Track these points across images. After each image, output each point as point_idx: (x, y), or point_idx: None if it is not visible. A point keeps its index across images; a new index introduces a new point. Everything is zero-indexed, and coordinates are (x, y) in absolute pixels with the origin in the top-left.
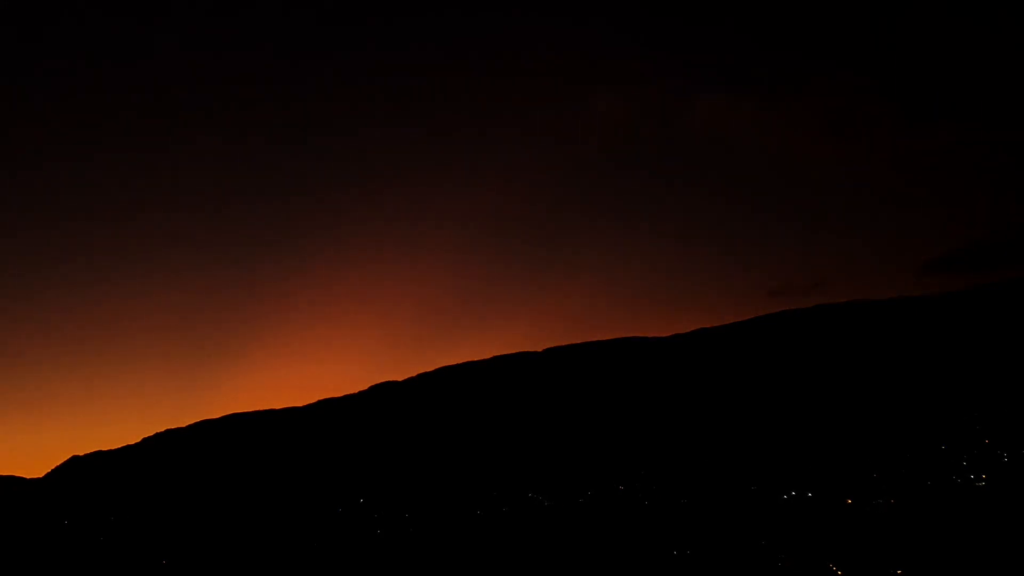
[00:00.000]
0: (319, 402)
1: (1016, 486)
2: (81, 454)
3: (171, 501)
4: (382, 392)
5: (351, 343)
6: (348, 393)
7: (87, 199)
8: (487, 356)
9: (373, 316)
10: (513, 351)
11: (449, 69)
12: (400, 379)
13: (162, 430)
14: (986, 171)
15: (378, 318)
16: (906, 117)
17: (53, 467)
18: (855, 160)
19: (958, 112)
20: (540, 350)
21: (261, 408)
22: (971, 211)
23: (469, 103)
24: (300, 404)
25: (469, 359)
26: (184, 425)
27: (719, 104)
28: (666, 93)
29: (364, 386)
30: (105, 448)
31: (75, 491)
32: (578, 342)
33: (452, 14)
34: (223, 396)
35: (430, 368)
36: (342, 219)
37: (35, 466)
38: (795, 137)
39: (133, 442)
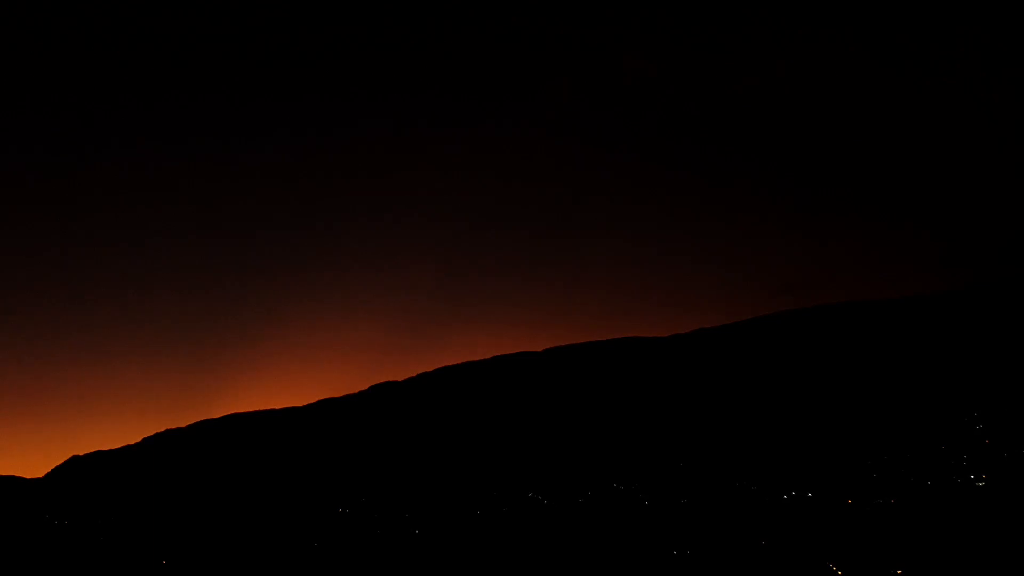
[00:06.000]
0: (319, 402)
1: (1016, 486)
2: (81, 454)
3: (171, 501)
4: (382, 392)
5: (351, 343)
6: (348, 393)
7: (88, 199)
8: (487, 356)
9: (373, 316)
10: (513, 351)
11: (454, 43)
12: (400, 379)
13: (162, 430)
14: (988, 170)
15: (378, 318)
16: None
17: (53, 467)
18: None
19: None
20: (540, 350)
21: (261, 408)
22: (971, 210)
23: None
24: (300, 404)
25: (469, 359)
26: (184, 425)
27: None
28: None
29: (364, 386)
30: (105, 448)
31: (75, 491)
32: (578, 342)
33: None
34: (223, 396)
35: (430, 368)
36: (343, 218)
37: (35, 466)
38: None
39: (133, 442)
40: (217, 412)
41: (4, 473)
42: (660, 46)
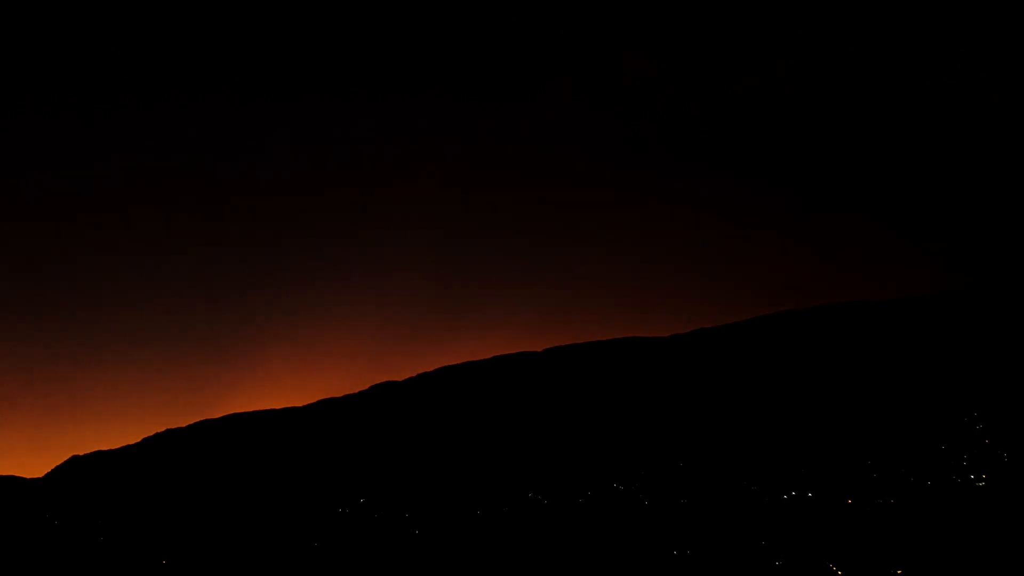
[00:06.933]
0: (319, 402)
1: (1016, 486)
2: (81, 454)
3: (171, 501)
4: (382, 392)
5: (351, 343)
6: (348, 393)
7: (88, 199)
8: (487, 356)
9: (374, 316)
10: (513, 351)
11: (452, 43)
12: (400, 379)
13: (162, 430)
14: (988, 170)
15: (378, 317)
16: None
17: (53, 467)
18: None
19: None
20: (541, 350)
21: (261, 408)
22: (971, 211)
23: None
24: (300, 404)
25: (469, 359)
26: (184, 425)
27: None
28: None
29: (364, 386)
30: (105, 448)
31: (75, 491)
32: (579, 342)
33: None
34: (223, 396)
35: (430, 368)
36: (343, 218)
37: (35, 466)
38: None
39: (133, 442)
40: (217, 412)
41: (4, 473)
42: (660, 46)
